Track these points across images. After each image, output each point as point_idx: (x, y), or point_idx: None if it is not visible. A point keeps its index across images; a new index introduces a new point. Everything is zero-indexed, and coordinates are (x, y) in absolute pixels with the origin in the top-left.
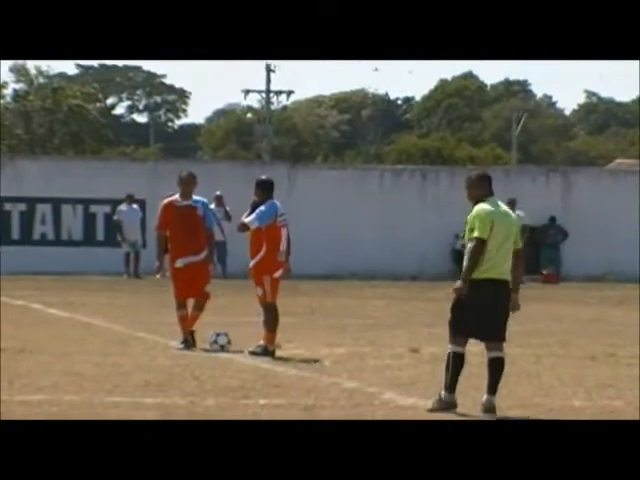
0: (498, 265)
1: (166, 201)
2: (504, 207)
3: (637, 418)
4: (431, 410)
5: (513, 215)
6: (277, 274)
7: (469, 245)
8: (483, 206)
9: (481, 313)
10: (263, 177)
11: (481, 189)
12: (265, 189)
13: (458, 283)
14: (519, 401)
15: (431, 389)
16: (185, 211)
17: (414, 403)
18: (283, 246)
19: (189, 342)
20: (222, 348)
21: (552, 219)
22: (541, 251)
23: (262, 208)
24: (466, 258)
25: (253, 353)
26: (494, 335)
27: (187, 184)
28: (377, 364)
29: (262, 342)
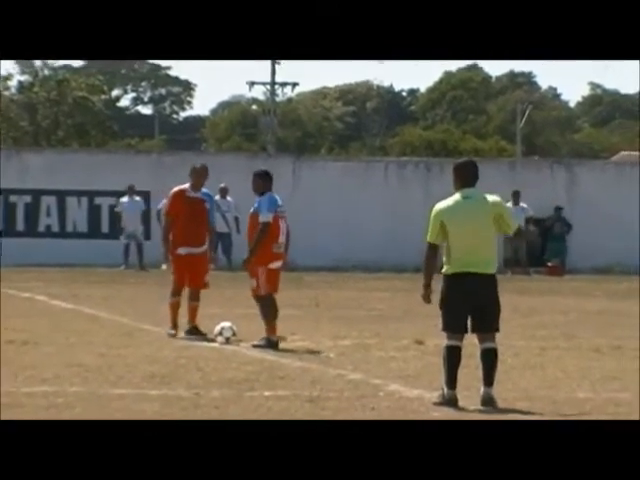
0: (474, 258)
1: (177, 189)
2: (480, 199)
3: None
4: (435, 404)
5: (492, 205)
6: (273, 265)
7: None
8: (436, 206)
9: (468, 306)
10: (262, 169)
11: (456, 180)
12: (265, 180)
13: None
14: (523, 393)
15: (436, 381)
16: (194, 202)
17: (419, 395)
18: (282, 238)
19: (176, 331)
20: (227, 340)
21: (558, 209)
22: (547, 243)
23: (266, 199)
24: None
25: (257, 346)
26: (485, 327)
27: (199, 176)
28: (382, 356)
29: (265, 335)
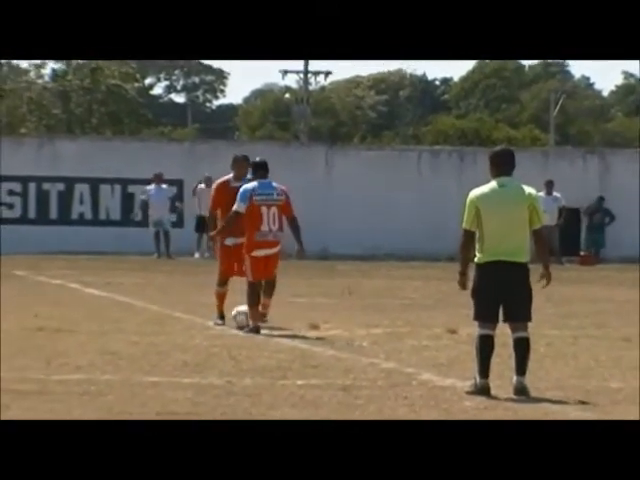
0: (507, 247)
1: (220, 181)
2: (515, 188)
3: None
4: (468, 392)
5: (526, 196)
6: (257, 253)
7: None
8: (472, 193)
9: (500, 295)
10: (259, 159)
11: (492, 168)
12: (258, 169)
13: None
14: (556, 382)
15: (469, 370)
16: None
17: (452, 384)
18: (265, 226)
19: (224, 320)
20: (241, 327)
21: (600, 199)
22: (584, 232)
23: (242, 191)
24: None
25: (248, 330)
26: (517, 316)
27: (240, 166)
28: (415, 345)
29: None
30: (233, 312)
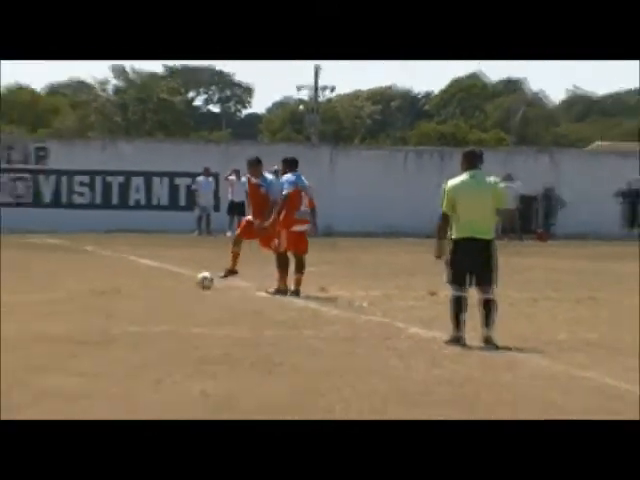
0: (477, 226)
1: (247, 177)
2: (484, 179)
3: (607, 342)
4: (446, 342)
5: (493, 184)
6: (295, 228)
7: None
8: (450, 182)
9: (470, 263)
10: (289, 156)
11: (464, 163)
12: (288, 165)
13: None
14: (517, 336)
15: (447, 325)
16: (254, 187)
17: (434, 336)
18: (303, 207)
19: (227, 272)
20: (208, 288)
21: (550, 189)
22: (539, 215)
23: (286, 179)
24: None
25: (270, 293)
26: (484, 282)
27: (251, 166)
28: (403, 305)
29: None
30: (199, 276)
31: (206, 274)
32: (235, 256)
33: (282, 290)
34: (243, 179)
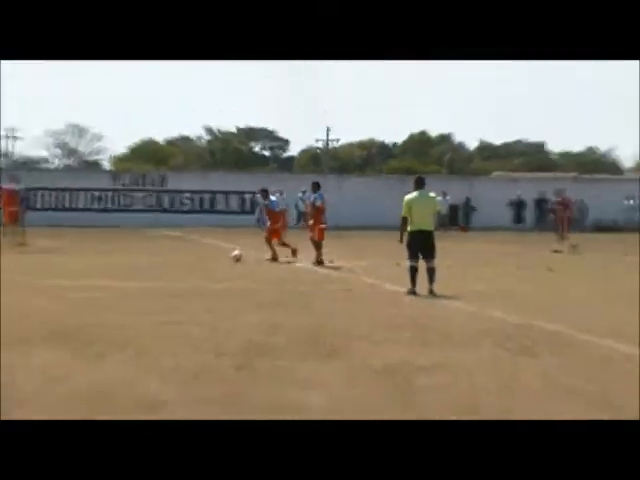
0: (423, 222)
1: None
2: (427, 194)
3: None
4: (406, 293)
5: (432, 197)
6: (323, 226)
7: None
8: (408, 196)
9: (420, 245)
10: (316, 180)
11: (415, 185)
12: (316, 186)
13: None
14: (451, 289)
15: (406, 283)
16: (266, 207)
17: (398, 289)
18: (326, 214)
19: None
20: (238, 259)
21: (468, 199)
22: (461, 215)
23: (318, 195)
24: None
25: (314, 264)
26: (428, 256)
27: (264, 194)
28: (384, 270)
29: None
30: (232, 254)
31: (237, 251)
32: (285, 245)
33: (320, 261)
34: (272, 197)
